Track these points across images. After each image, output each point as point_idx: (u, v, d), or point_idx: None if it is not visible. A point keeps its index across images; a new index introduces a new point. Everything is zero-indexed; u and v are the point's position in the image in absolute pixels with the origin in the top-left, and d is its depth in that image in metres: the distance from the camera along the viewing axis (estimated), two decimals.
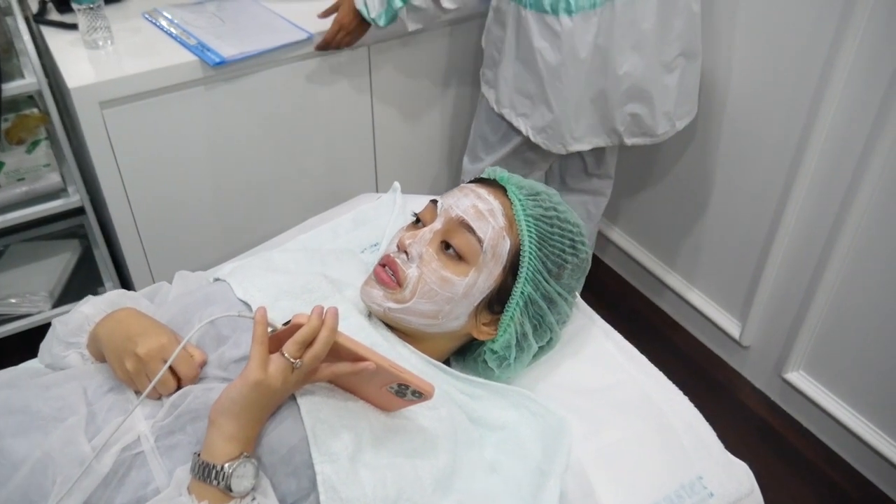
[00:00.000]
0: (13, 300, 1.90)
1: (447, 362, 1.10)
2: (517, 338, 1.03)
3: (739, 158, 1.83)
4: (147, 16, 1.77)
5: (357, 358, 0.87)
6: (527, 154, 1.74)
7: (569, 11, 1.46)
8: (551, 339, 1.08)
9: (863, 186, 1.54)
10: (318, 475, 0.85)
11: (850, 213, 1.59)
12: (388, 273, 1.01)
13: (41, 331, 1.85)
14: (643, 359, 1.13)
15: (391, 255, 1.02)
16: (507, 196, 1.03)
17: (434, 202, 1.05)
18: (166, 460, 0.87)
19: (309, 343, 0.83)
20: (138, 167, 1.66)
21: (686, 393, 1.10)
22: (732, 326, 2.01)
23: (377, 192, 2.05)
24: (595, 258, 2.36)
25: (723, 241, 1.97)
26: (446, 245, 1.00)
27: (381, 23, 1.62)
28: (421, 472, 0.91)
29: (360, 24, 1.65)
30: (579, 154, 1.84)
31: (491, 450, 1.00)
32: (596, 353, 1.13)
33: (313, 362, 0.84)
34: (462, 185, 1.08)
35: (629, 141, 1.67)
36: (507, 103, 1.67)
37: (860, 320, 1.68)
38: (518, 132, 1.68)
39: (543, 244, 1.02)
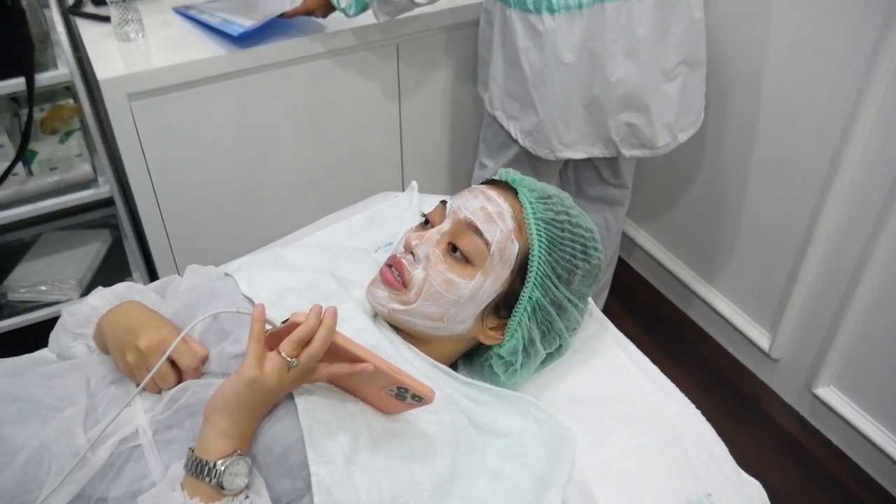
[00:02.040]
0: (43, 287, 1.93)
1: (455, 366, 1.08)
2: (524, 343, 1.01)
3: (773, 166, 1.78)
4: (176, 9, 1.79)
5: (356, 359, 0.86)
6: (534, 161, 1.70)
7: (551, 10, 1.43)
8: (561, 346, 1.05)
9: None
10: (312, 476, 0.84)
11: (886, 225, 1.53)
12: (393, 274, 1.00)
13: None
14: (655, 369, 1.10)
15: (398, 255, 1.01)
16: (518, 198, 1.01)
17: (444, 203, 1.04)
18: (163, 454, 0.87)
19: (306, 342, 0.83)
20: (165, 159, 1.67)
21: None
22: (762, 338, 1.95)
23: (403, 189, 2.05)
24: (622, 264, 2.32)
25: (754, 250, 1.91)
26: (453, 247, 0.99)
27: (351, 13, 1.61)
28: (418, 477, 0.90)
29: (327, 11, 1.66)
30: (590, 161, 1.80)
31: (494, 456, 0.98)
32: (606, 362, 1.10)
33: (310, 362, 0.83)
34: (472, 186, 1.06)
35: (627, 153, 1.61)
36: (498, 105, 1.64)
37: (895, 336, 1.62)
38: (515, 141, 1.65)
39: (553, 248, 0.99)
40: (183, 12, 1.77)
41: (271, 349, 0.84)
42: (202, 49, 1.63)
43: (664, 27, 1.47)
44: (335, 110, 1.81)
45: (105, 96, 1.55)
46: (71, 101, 1.95)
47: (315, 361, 0.84)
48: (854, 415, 1.76)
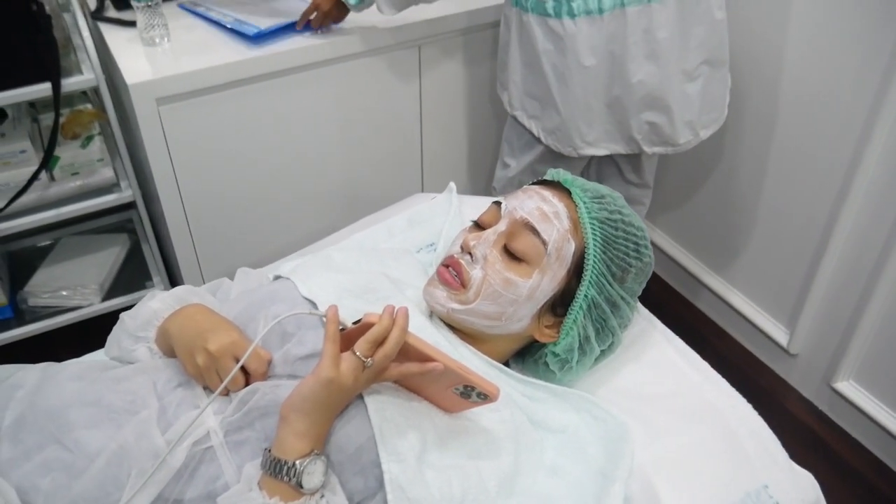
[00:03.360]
0: (64, 292, 1.93)
1: (507, 364, 1.10)
2: (580, 341, 1.03)
3: (793, 161, 1.80)
4: (182, 6, 1.80)
5: (425, 358, 0.87)
6: (556, 162, 1.72)
7: (571, 15, 1.45)
8: (613, 342, 1.07)
9: None
10: (385, 474, 0.85)
11: None
12: (451, 274, 1.01)
13: (91, 323, 1.91)
14: (705, 364, 1.12)
15: (455, 255, 1.02)
16: (572, 198, 1.03)
17: (497, 204, 1.05)
18: (235, 455, 0.88)
19: (380, 342, 0.84)
20: (191, 163, 1.67)
21: None
22: (780, 334, 1.98)
23: (423, 190, 2.06)
24: None
25: (772, 246, 1.94)
26: (510, 247, 1.00)
27: (353, 1, 1.62)
28: (484, 474, 0.91)
29: (337, 5, 1.66)
30: (612, 159, 1.82)
31: (551, 452, 1.00)
32: (657, 358, 1.12)
33: (384, 361, 0.84)
34: (525, 187, 1.07)
35: (649, 150, 1.64)
36: (518, 105, 1.67)
37: None
38: (538, 139, 1.67)
39: (608, 247, 1.01)
40: (190, 8, 1.78)
41: (341, 350, 0.85)
42: (228, 53, 1.63)
43: (685, 29, 1.50)
44: (359, 113, 1.82)
45: (134, 101, 1.55)
46: (89, 105, 1.95)
47: (389, 361, 0.85)
48: (874, 408, 1.79)
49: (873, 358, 1.77)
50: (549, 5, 1.46)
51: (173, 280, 2.02)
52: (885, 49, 1.51)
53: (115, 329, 1.05)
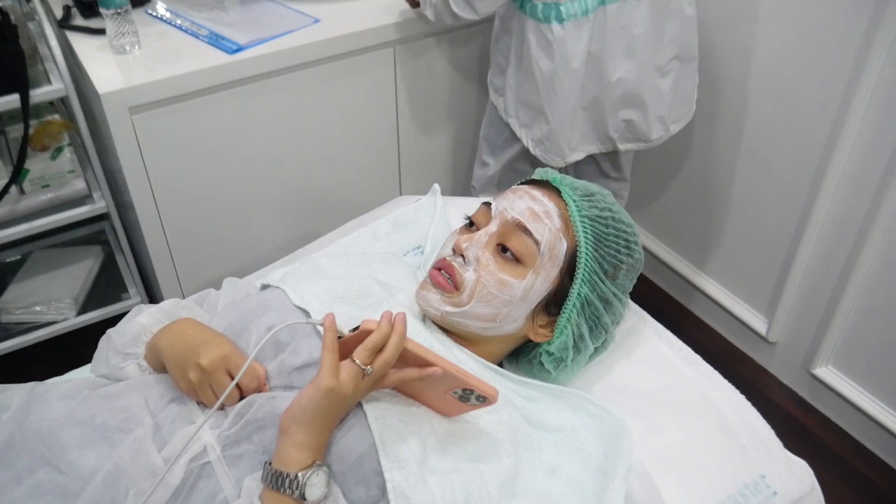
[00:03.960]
0: (38, 308, 1.89)
1: (500, 365, 1.09)
2: (574, 339, 1.03)
3: (767, 153, 1.83)
4: (150, 12, 1.77)
5: (424, 363, 0.87)
6: (535, 159, 1.72)
7: (560, 19, 1.46)
8: (606, 339, 1.07)
9: (894, 180, 1.54)
10: (387, 482, 0.84)
11: (881, 207, 1.59)
12: (444, 277, 1.00)
13: (67, 338, 1.88)
14: (698, 358, 1.13)
15: (447, 258, 1.01)
16: (562, 197, 1.03)
17: (487, 205, 1.05)
18: (233, 470, 0.86)
19: (379, 349, 0.83)
20: (167, 172, 1.65)
21: None
22: (759, 323, 2.01)
23: (400, 192, 2.05)
24: None
25: (749, 237, 1.96)
26: (503, 248, 1.00)
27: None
28: (486, 476, 0.91)
29: None
30: (592, 157, 1.83)
31: (549, 452, 1.00)
32: (650, 353, 1.13)
33: (384, 368, 0.84)
34: (514, 186, 1.07)
35: (623, 147, 1.66)
36: (512, 113, 1.67)
37: (892, 314, 1.68)
38: (526, 149, 1.68)
39: (600, 245, 1.01)
40: (160, 17, 1.75)
41: (341, 358, 0.84)
42: (201, 59, 1.60)
43: (658, 25, 1.51)
44: (335, 116, 1.81)
45: (106, 111, 1.52)
46: (57, 116, 1.91)
47: (388, 368, 0.84)
48: (853, 392, 1.82)
49: (851, 343, 1.80)
50: (539, 9, 1.46)
51: (150, 291, 1.99)
52: (854, 39, 1.53)
53: (102, 346, 1.03)
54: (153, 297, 1.98)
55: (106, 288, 2.00)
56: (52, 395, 0.93)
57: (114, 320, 1.87)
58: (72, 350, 1.95)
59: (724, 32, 1.79)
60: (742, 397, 1.07)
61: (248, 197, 1.79)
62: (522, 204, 1.01)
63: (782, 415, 1.94)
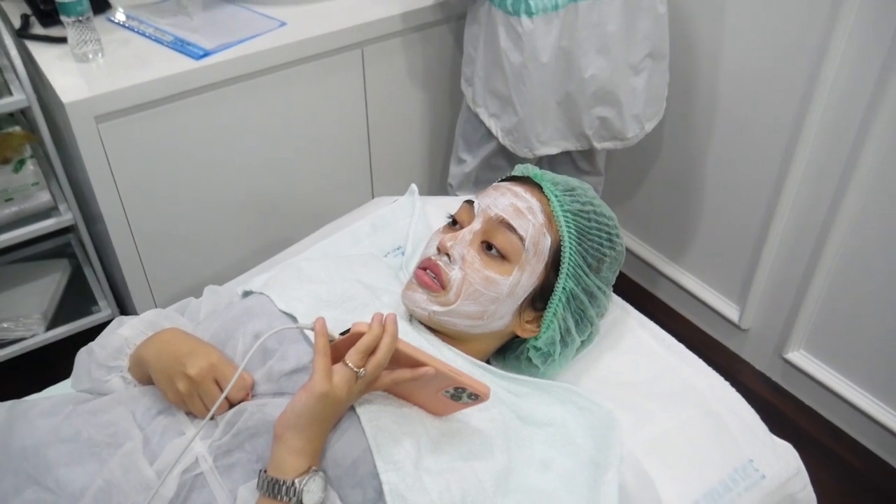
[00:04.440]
0: (6, 324, 1.84)
1: (487, 363, 1.09)
2: (561, 333, 1.03)
3: (734, 144, 1.85)
4: (112, 19, 1.73)
5: (415, 364, 0.86)
6: (511, 155, 1.73)
7: (529, 13, 1.47)
8: (591, 332, 1.08)
9: (859, 165, 1.58)
10: (384, 485, 0.84)
11: (846, 192, 1.62)
12: (430, 276, 1.00)
13: (36, 354, 1.83)
14: (680, 346, 1.15)
15: (432, 257, 1.01)
16: (544, 193, 1.03)
17: (469, 203, 1.05)
18: (226, 480, 0.85)
19: (371, 351, 0.82)
20: (136, 181, 1.62)
21: None
22: (731, 310, 2.04)
23: (372, 193, 2.04)
24: None
25: (718, 227, 1.99)
26: (488, 245, 1.00)
27: None
28: (480, 474, 0.91)
29: None
30: (567, 153, 1.85)
31: (541, 447, 1.00)
32: (634, 344, 1.14)
33: (376, 370, 0.83)
34: (495, 184, 1.07)
35: (598, 145, 1.67)
36: (481, 102, 1.67)
37: (860, 297, 1.72)
38: (496, 138, 1.68)
39: (583, 239, 1.02)
40: (122, 24, 1.72)
41: (332, 362, 0.83)
42: (168, 65, 1.58)
43: (631, 22, 1.53)
44: (304, 119, 1.79)
45: (71, 120, 1.49)
46: (17, 127, 1.86)
47: (381, 370, 0.84)
48: (825, 375, 1.86)
49: (821, 327, 1.84)
50: (509, 1, 1.46)
51: (121, 304, 1.96)
52: (816, 31, 1.56)
53: (83, 360, 1.00)
54: (124, 309, 1.95)
55: (75, 302, 1.96)
56: (34, 413, 0.91)
57: (85, 334, 1.87)
58: (43, 366, 1.90)
59: (691, 30, 1.81)
60: (726, 384, 1.09)
61: (219, 204, 1.77)
62: (505, 201, 1.01)
63: (757, 400, 1.94)
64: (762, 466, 1.00)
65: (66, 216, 1.76)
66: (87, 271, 2.01)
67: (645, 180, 2.15)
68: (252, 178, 1.79)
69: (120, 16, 1.74)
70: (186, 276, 1.79)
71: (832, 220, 1.68)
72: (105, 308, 1.93)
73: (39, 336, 1.85)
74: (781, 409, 1.95)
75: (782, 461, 1.02)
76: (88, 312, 1.93)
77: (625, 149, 1.75)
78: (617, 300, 1.21)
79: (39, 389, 1.17)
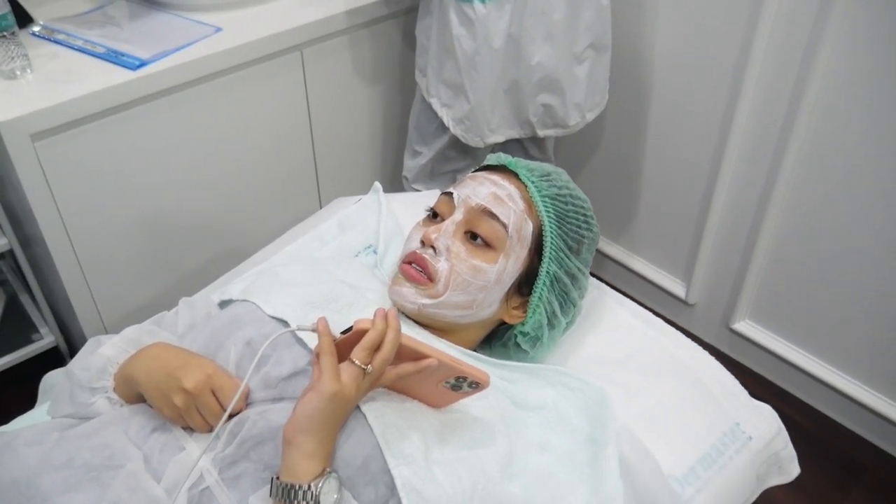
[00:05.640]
0: None
1: (476, 352, 1.10)
2: (547, 316, 1.05)
3: (671, 127, 1.92)
4: (37, 34, 1.66)
5: (418, 356, 0.86)
6: (465, 145, 1.75)
7: None
8: (574, 313, 1.10)
9: (790, 143, 1.66)
10: (396, 479, 0.83)
11: (780, 168, 1.70)
12: (416, 270, 1.00)
13: None
14: (659, 321, 1.18)
15: (417, 251, 1.01)
16: (521, 180, 1.04)
17: (447, 195, 1.05)
18: (234, 491, 0.83)
19: (376, 347, 0.82)
20: (77, 199, 1.55)
21: None
22: (677, 287, 2.11)
23: (320, 197, 2.02)
24: None
25: (661, 208, 2.06)
26: (472, 235, 1.01)
27: None
28: (486, 461, 0.91)
29: None
30: (518, 141, 1.87)
31: (537, 429, 1.02)
32: (614, 322, 1.17)
33: (383, 366, 0.83)
34: (472, 174, 1.08)
35: (541, 132, 1.70)
36: (434, 92, 1.68)
37: (799, 266, 1.81)
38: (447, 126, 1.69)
39: (562, 222, 1.04)
40: (46, 37, 1.65)
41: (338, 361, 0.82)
42: (102, 77, 1.52)
43: (575, 12, 1.56)
44: (245, 126, 1.76)
45: (5, 140, 1.41)
46: None
47: (387, 365, 0.83)
48: (771, 342, 1.95)
49: (765, 296, 1.92)
50: None
51: (65, 329, 1.87)
52: (742, 16, 1.63)
53: (62, 384, 0.96)
54: (69, 334, 1.86)
55: (14, 331, 1.86)
56: (18, 444, 0.87)
57: (27, 364, 1.78)
58: None
59: (627, 22, 1.86)
60: (705, 352, 1.13)
61: (164, 217, 1.71)
62: (485, 190, 1.02)
63: None
64: (748, 428, 1.04)
65: (1, 241, 1.67)
66: (24, 298, 1.92)
67: (589, 166, 2.20)
68: (196, 190, 1.74)
69: (44, 29, 1.67)
70: (136, 294, 1.73)
71: (768, 195, 1.76)
72: (47, 335, 1.84)
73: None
74: None
75: (765, 421, 1.06)
76: (29, 341, 1.84)
77: (569, 136, 1.79)
78: (593, 281, 1.24)
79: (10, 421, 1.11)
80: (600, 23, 1.61)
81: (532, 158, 1.89)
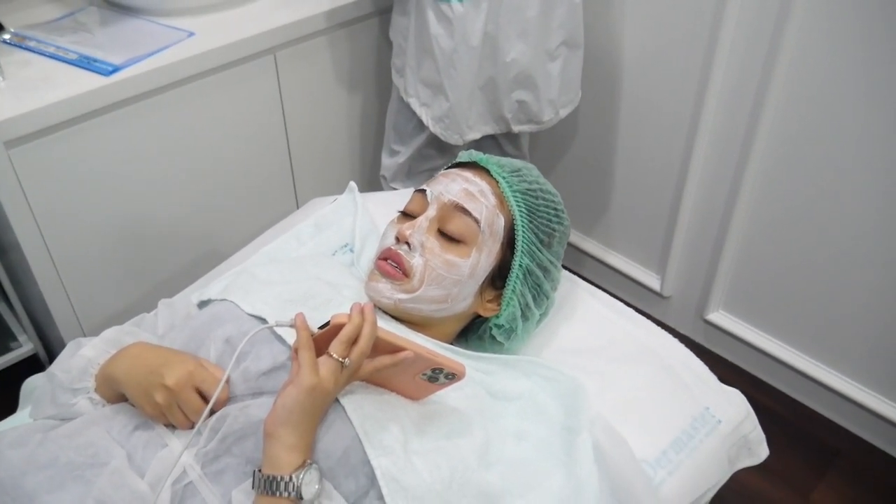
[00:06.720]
0: None
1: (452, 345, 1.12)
2: (521, 308, 1.07)
3: (642, 124, 1.95)
4: (8, 41, 1.66)
5: (394, 349, 0.88)
6: (443, 144, 1.77)
7: None
8: (547, 305, 1.13)
9: (758, 135, 1.70)
10: (376, 469, 0.85)
11: (748, 160, 1.74)
12: (392, 266, 1.02)
13: None
14: (630, 311, 1.21)
15: (392, 248, 1.03)
16: (492, 176, 1.07)
17: (421, 192, 1.07)
18: (217, 486, 0.85)
19: (353, 341, 0.84)
20: (54, 206, 1.56)
21: None
22: (652, 280, 2.14)
23: (296, 198, 2.03)
24: None
25: (634, 203, 2.09)
26: (445, 231, 1.03)
27: None
28: (464, 451, 0.93)
29: None
30: (493, 137, 1.90)
31: (513, 419, 1.04)
32: (586, 313, 1.20)
33: (360, 358, 0.84)
34: (444, 171, 1.10)
35: (516, 128, 1.73)
36: (412, 92, 1.70)
37: (771, 256, 1.85)
38: (426, 127, 1.71)
39: (533, 217, 1.06)
40: (16, 44, 1.65)
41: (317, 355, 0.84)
42: (75, 84, 1.52)
43: (548, 9, 1.59)
44: (220, 130, 1.77)
45: None
46: None
47: (364, 358, 0.85)
48: (744, 331, 1.99)
49: (737, 287, 1.96)
50: None
51: (43, 336, 1.87)
52: (707, 11, 1.67)
53: (43, 386, 0.97)
54: (47, 341, 1.86)
55: None
56: (1, 446, 0.87)
57: (6, 373, 1.78)
58: None
59: (598, 21, 1.89)
60: (675, 340, 1.16)
61: (141, 222, 1.72)
62: (457, 186, 1.04)
63: None
64: (717, 412, 1.07)
65: None
66: (1, 307, 1.91)
67: (563, 162, 2.23)
68: (173, 195, 1.75)
69: (14, 36, 1.66)
70: (114, 299, 1.74)
71: (737, 189, 1.79)
72: (26, 343, 1.84)
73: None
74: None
75: (734, 406, 1.09)
76: (7, 349, 1.83)
77: (543, 132, 1.81)
78: (566, 274, 1.26)
79: None
80: (572, 20, 1.64)
81: (507, 154, 1.92)
